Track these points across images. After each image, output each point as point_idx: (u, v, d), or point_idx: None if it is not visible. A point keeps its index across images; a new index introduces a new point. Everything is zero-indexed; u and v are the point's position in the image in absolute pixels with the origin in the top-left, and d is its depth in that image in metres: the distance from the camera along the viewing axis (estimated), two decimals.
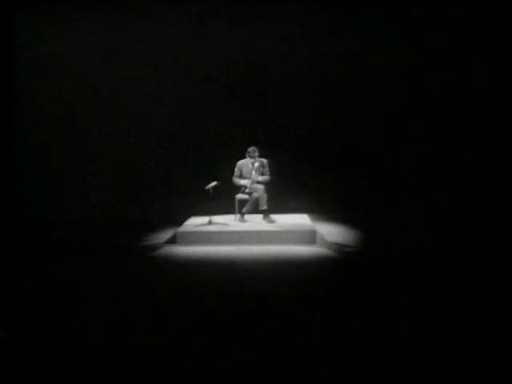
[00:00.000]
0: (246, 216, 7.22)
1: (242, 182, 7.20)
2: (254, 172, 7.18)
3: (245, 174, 7.23)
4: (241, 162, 7.30)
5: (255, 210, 7.13)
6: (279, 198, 7.44)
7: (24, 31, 7.70)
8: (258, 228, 6.71)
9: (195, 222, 7.16)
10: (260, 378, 2.82)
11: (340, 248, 5.83)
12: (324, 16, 8.07)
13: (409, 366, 2.90)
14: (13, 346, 3.26)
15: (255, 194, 7.02)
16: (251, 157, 7.21)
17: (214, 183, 6.98)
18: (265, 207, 7.02)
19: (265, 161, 7.28)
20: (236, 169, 7.29)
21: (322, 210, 7.97)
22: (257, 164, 7.19)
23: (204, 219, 7.14)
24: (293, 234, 6.47)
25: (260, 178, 7.16)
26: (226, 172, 7.35)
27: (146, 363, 2.98)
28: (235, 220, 7.22)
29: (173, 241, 6.50)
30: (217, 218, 7.22)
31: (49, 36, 8.16)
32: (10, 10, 5.88)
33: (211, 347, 3.20)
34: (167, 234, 6.74)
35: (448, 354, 3.05)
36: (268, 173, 7.26)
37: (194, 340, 3.34)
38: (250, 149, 7.23)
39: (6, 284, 4.41)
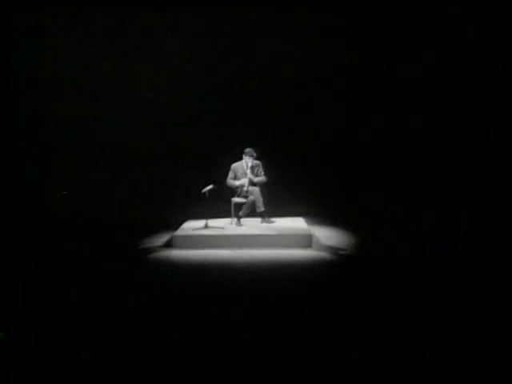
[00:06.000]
0: (242, 219, 7.22)
1: (238, 182, 7.21)
2: (248, 171, 7.19)
3: (240, 175, 7.24)
4: (235, 165, 7.32)
5: (252, 213, 7.14)
6: (275, 202, 7.45)
7: (24, 31, 7.68)
8: (254, 232, 6.71)
9: (191, 226, 7.14)
10: (258, 380, 2.83)
11: (336, 251, 5.85)
12: (324, 16, 8.11)
13: (408, 366, 2.93)
14: (13, 346, 3.24)
15: (251, 197, 7.03)
16: (249, 157, 7.21)
17: (210, 186, 6.95)
18: (262, 209, 7.04)
19: (257, 161, 7.29)
20: (230, 172, 7.30)
21: (318, 214, 7.99)
22: (250, 164, 7.21)
23: (200, 223, 7.13)
24: (289, 237, 6.46)
25: (256, 179, 7.17)
26: (222, 175, 7.35)
27: (143, 364, 2.98)
28: (231, 224, 7.21)
29: (169, 244, 6.46)
30: (213, 222, 7.20)
31: (49, 36, 8.15)
32: (11, 10, 5.88)
33: (207, 351, 3.19)
34: (163, 238, 6.72)
35: (448, 353, 3.07)
36: (262, 173, 7.27)
37: (190, 344, 3.34)
38: (246, 149, 7.24)
39: (5, 284, 4.38)
